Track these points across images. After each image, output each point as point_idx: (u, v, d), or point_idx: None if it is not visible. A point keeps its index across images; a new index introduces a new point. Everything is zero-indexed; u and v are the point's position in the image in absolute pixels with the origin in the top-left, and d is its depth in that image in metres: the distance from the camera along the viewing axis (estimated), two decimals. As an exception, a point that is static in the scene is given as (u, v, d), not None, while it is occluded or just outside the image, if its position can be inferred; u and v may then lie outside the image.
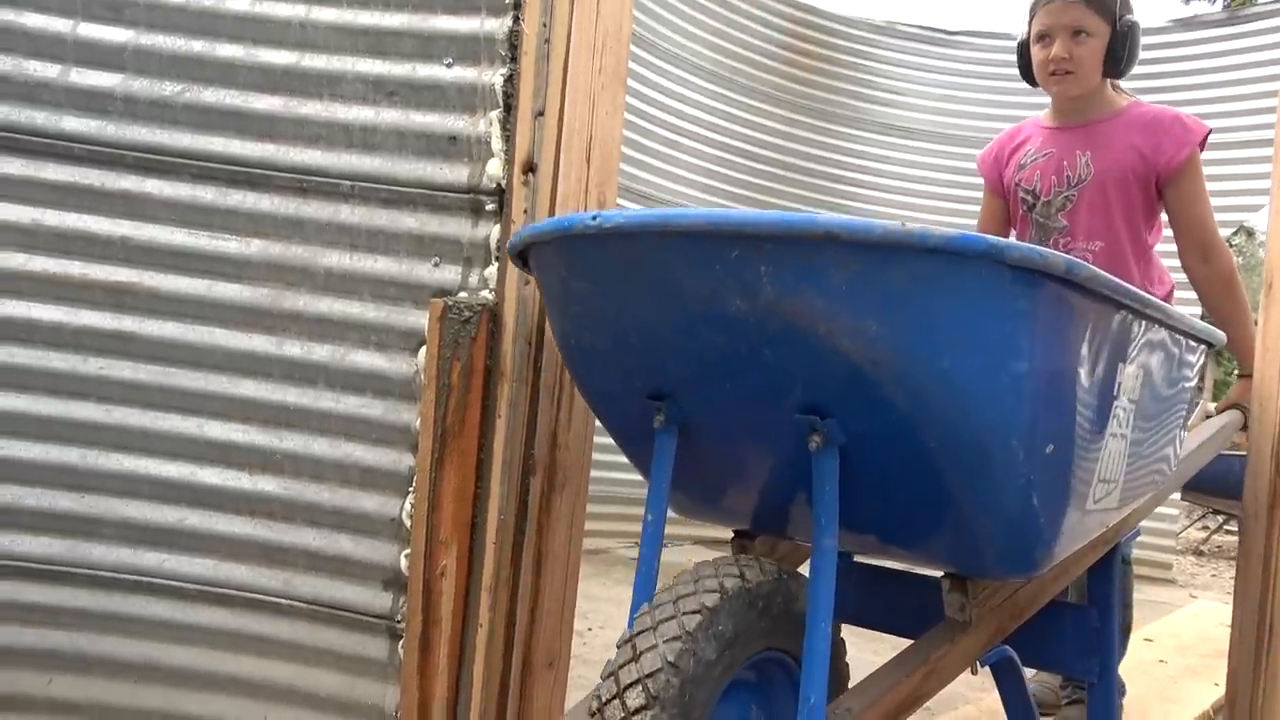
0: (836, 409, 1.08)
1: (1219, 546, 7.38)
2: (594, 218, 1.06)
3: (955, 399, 1.02)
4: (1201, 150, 2.02)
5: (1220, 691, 2.32)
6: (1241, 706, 1.59)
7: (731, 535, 1.52)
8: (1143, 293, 1.20)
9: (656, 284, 1.09)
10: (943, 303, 1.00)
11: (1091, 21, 1.95)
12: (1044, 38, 2.00)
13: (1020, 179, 2.16)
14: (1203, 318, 1.88)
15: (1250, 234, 15.42)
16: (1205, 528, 7.62)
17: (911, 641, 1.35)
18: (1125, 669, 2.27)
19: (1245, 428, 1.94)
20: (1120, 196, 2.02)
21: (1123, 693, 2.14)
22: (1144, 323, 1.25)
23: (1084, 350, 1.10)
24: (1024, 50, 2.09)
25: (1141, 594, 4.90)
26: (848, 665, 1.41)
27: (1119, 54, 1.97)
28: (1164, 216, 2.11)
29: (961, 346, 1.01)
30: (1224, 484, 2.02)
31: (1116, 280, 1.09)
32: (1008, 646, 1.42)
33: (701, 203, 5.32)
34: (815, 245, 0.99)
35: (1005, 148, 2.24)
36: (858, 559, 1.66)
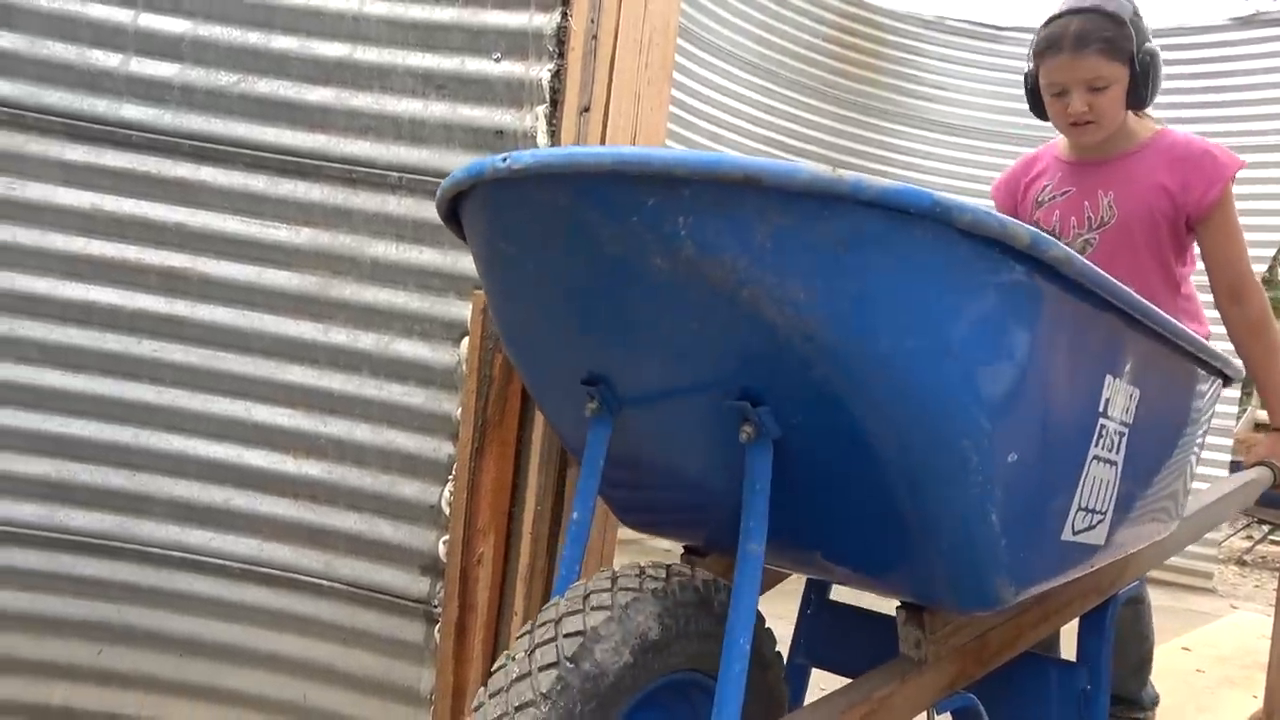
0: (770, 395, 0.96)
1: (1263, 557, 7.24)
2: (504, 159, 0.95)
3: (894, 385, 0.89)
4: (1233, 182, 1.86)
5: (1258, 704, 2.29)
6: (1278, 722, 1.56)
7: (683, 549, 1.39)
8: (1136, 295, 1.06)
9: (577, 242, 0.96)
10: (880, 270, 0.86)
11: (1109, 70, 1.76)
12: (1059, 91, 1.82)
13: (1038, 217, 2.00)
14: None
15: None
16: (1249, 537, 7.48)
17: None
18: (1160, 676, 2.24)
19: (1276, 485, 1.84)
20: (1148, 239, 1.86)
21: (1155, 702, 2.11)
22: (1138, 332, 1.12)
23: (1057, 346, 0.97)
24: (1033, 86, 1.90)
25: (1181, 603, 4.84)
26: (785, 689, 1.24)
27: (1142, 93, 1.79)
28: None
29: (903, 323, 0.87)
30: (1271, 494, 1.94)
31: (1099, 272, 0.96)
32: (972, 695, 1.25)
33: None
34: (736, 191, 0.85)
35: (1020, 179, 2.08)
36: (832, 599, 1.55)
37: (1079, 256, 0.93)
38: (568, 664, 0.95)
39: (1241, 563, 7.05)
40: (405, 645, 1.64)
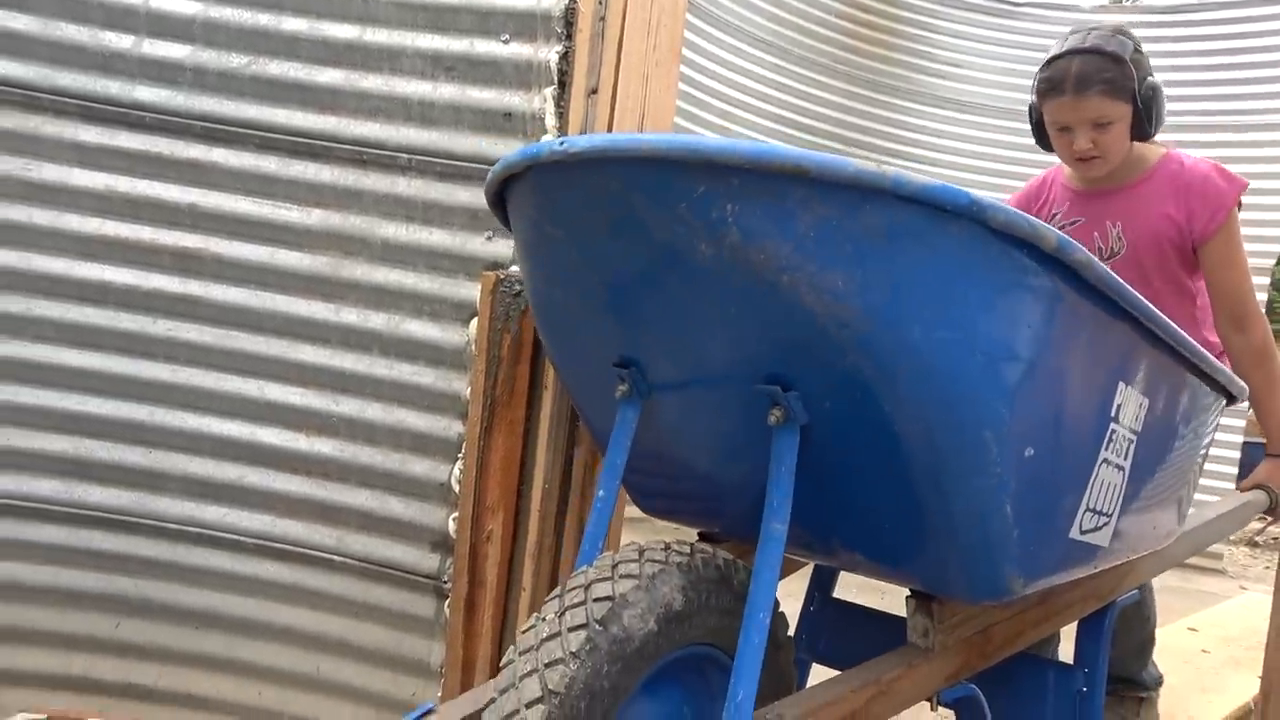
0: (800, 380, 1.00)
1: (1275, 538, 7.22)
2: (561, 142, 0.99)
3: (923, 374, 0.93)
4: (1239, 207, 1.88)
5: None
6: (1274, 703, 1.58)
7: (697, 535, 1.42)
8: (1150, 306, 1.10)
9: (623, 226, 1.00)
10: (916, 262, 0.90)
11: (1112, 109, 1.78)
12: (1064, 128, 1.84)
13: None
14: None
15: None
16: (1262, 518, 7.45)
17: None
18: (1165, 656, 2.26)
19: (1270, 510, 1.85)
20: (1158, 266, 1.89)
21: (1158, 683, 2.12)
22: (1151, 343, 1.15)
23: (1075, 348, 1.00)
24: (1038, 119, 1.90)
25: (1190, 583, 4.84)
26: (795, 671, 1.27)
27: (1145, 126, 1.81)
28: None
29: (935, 315, 0.91)
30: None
31: (1119, 281, 1.00)
32: (973, 685, 1.28)
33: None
34: (784, 181, 0.89)
35: (1030, 206, 2.09)
36: (836, 596, 1.58)
37: (1099, 263, 0.98)
38: (596, 626, 0.99)
39: (1253, 544, 7.04)
40: (416, 620, 1.67)
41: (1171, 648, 2.79)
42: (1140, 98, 1.79)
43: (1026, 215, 0.90)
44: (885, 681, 1.15)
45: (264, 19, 1.68)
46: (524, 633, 1.04)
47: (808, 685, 1.55)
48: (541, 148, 1.01)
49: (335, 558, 1.69)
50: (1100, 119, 1.80)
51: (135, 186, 1.71)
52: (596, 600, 1.01)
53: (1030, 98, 1.91)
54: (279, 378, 1.70)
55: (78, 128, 1.70)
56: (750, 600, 1.02)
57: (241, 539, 1.72)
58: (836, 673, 1.35)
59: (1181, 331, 1.21)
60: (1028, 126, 2.30)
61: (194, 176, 1.71)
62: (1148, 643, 2.07)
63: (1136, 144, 1.89)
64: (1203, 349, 1.31)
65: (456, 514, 1.61)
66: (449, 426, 1.64)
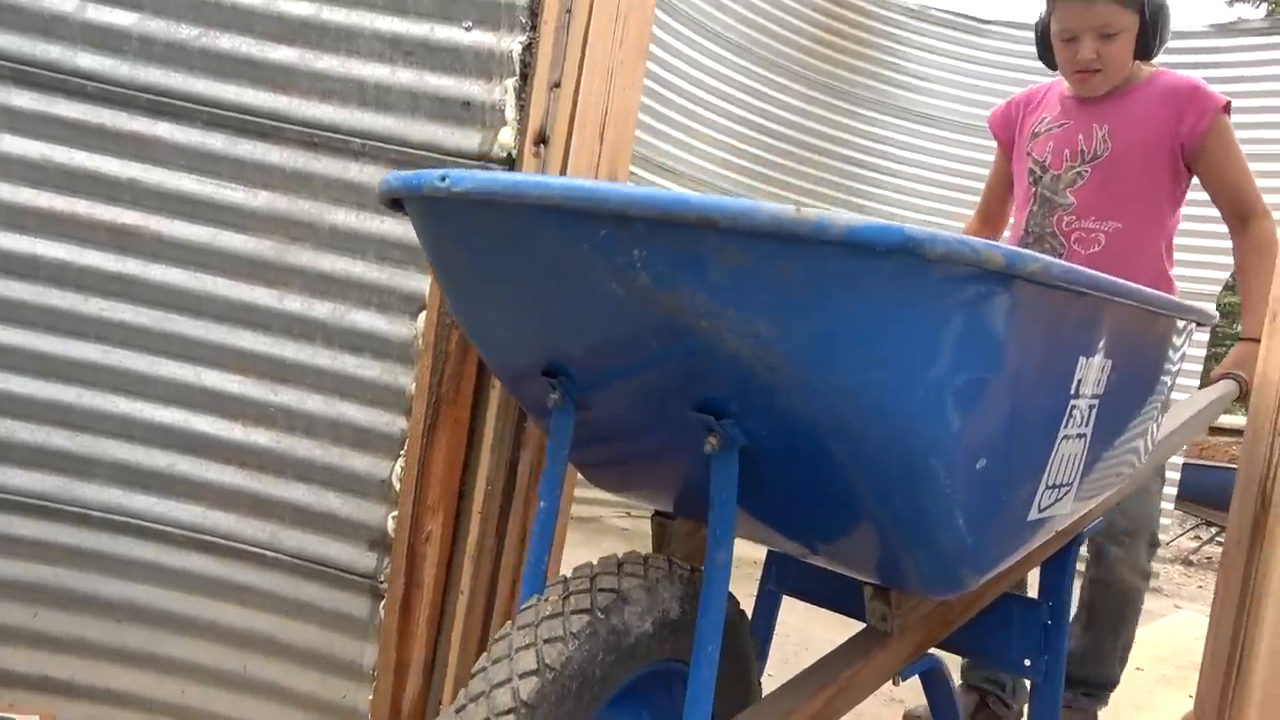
0: (735, 408, 0.96)
1: (1209, 558, 7.40)
2: (442, 178, 0.92)
3: (861, 413, 0.89)
4: (1228, 115, 1.90)
5: (1191, 704, 2.33)
6: (1209, 726, 1.60)
7: (653, 513, 1.45)
8: (1114, 280, 1.06)
9: (527, 256, 0.95)
10: (846, 304, 0.85)
11: (1121, 18, 1.82)
12: (1070, 38, 1.88)
13: (1031, 148, 2.05)
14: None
15: None
16: (1197, 537, 7.63)
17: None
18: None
19: (1241, 397, 1.84)
20: (1142, 172, 1.90)
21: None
22: (1115, 310, 1.12)
23: (1032, 351, 0.97)
24: (1044, 32, 1.94)
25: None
26: (760, 678, 1.30)
27: (1150, 42, 1.85)
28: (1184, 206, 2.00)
29: (870, 355, 0.87)
30: (1220, 496, 1.99)
31: (1078, 269, 0.97)
32: (936, 656, 1.30)
33: (720, 177, 5.28)
34: (692, 231, 0.83)
35: (1020, 108, 2.13)
36: None
37: (1056, 262, 0.91)
38: (599, 614, 1.02)
39: (1188, 563, 7.20)
40: (349, 620, 1.62)
41: (1106, 665, 2.83)
42: (1149, 11, 1.82)
43: (967, 240, 0.84)
44: (845, 679, 1.17)
45: (216, -10, 1.61)
46: (523, 610, 1.05)
47: (777, 618, 1.59)
48: (422, 179, 0.95)
49: (267, 553, 1.64)
50: (1107, 27, 1.83)
51: (73, 158, 1.64)
52: (601, 590, 1.04)
53: (1041, 12, 1.94)
54: (216, 364, 1.64)
55: (11, 92, 1.62)
56: (700, 630, 1.01)
57: (170, 530, 1.65)
58: (806, 606, 1.44)
59: (1143, 288, 1.16)
60: (992, 143, 2.32)
61: (136, 150, 1.64)
62: (1130, 644, 2.11)
63: (1136, 62, 1.92)
64: (1166, 296, 1.27)
65: (396, 513, 1.57)
66: (392, 422, 1.60)
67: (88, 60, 1.63)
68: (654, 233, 0.85)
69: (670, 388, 1.00)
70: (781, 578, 1.59)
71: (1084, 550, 1.85)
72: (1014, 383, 0.96)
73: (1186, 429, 1.71)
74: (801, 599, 1.56)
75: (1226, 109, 1.91)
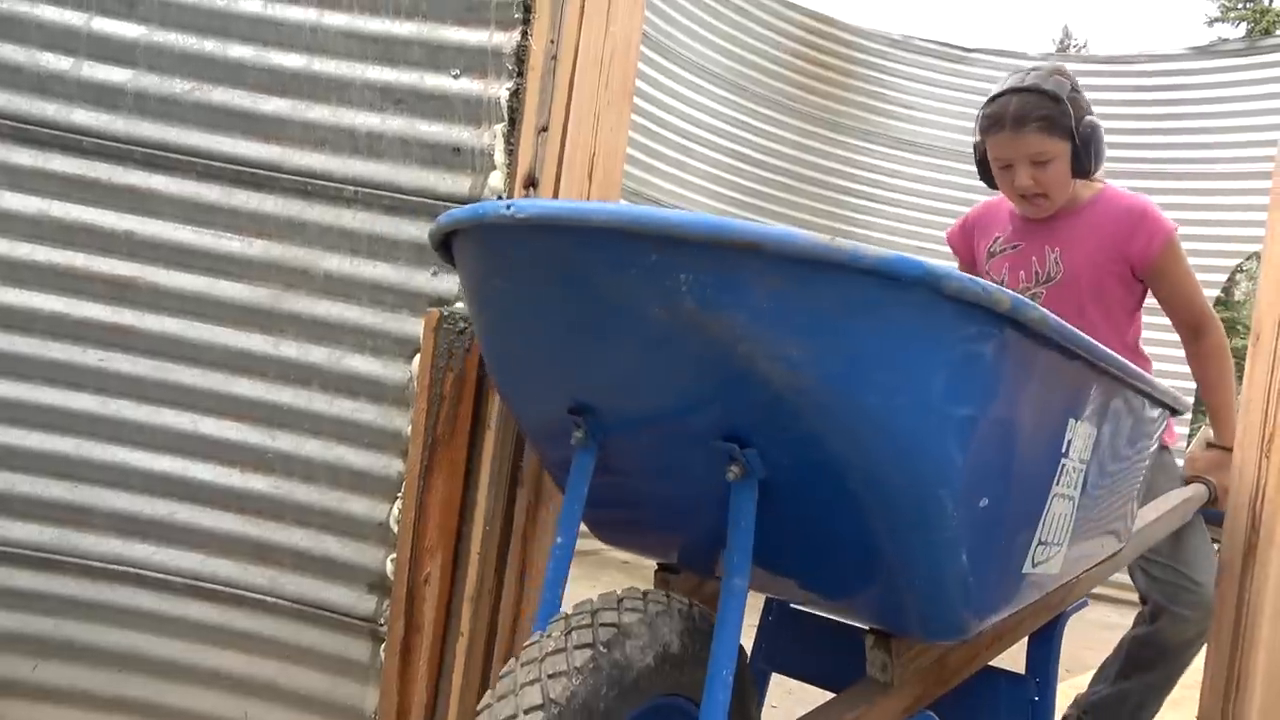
0: (758, 439, 1.01)
1: (1213, 575, 7.36)
2: (508, 206, 0.99)
3: (880, 438, 0.95)
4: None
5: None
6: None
7: (656, 566, 1.45)
8: (1101, 346, 1.13)
9: (574, 285, 1.01)
10: (872, 331, 0.92)
11: (1051, 146, 1.84)
12: (1006, 165, 1.90)
13: (989, 268, 2.08)
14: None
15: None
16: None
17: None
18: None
19: (1211, 502, 1.90)
20: (1094, 294, 1.94)
21: None
22: (1101, 378, 1.19)
23: (1030, 399, 1.03)
24: (983, 156, 1.96)
25: (1127, 619, 4.89)
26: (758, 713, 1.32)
27: (1085, 163, 1.87)
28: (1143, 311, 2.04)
29: (890, 382, 0.93)
30: (1213, 511, 2.00)
31: (1071, 328, 1.03)
32: (931, 714, 1.32)
33: (712, 210, 5.33)
34: (738, 254, 0.90)
35: (974, 226, 2.16)
36: (794, 607, 1.60)
37: (1054, 316, 0.99)
38: (601, 648, 1.02)
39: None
40: (350, 664, 1.62)
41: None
42: (1079, 135, 1.85)
43: (980, 280, 0.91)
44: None
45: (209, 45, 1.65)
46: (527, 647, 1.06)
47: (766, 694, 1.58)
48: (488, 208, 1.02)
49: (268, 598, 1.64)
50: (1038, 155, 1.86)
51: (69, 212, 1.66)
52: (603, 625, 1.04)
53: (974, 136, 1.96)
54: (214, 411, 1.65)
55: (10, 150, 1.65)
56: (714, 659, 1.03)
57: (170, 578, 1.65)
58: (794, 682, 1.42)
59: (1125, 360, 1.25)
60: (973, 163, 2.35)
61: (132, 203, 1.66)
62: (1159, 691, 2.09)
63: (1078, 181, 1.95)
64: (1146, 374, 1.35)
65: (394, 555, 1.57)
66: (389, 465, 1.61)
67: (83, 116, 1.66)
68: (701, 257, 0.91)
69: (694, 419, 1.04)
70: (771, 655, 1.60)
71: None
72: (1012, 427, 1.02)
73: (1159, 525, 1.76)
74: (791, 675, 1.56)
75: (1174, 232, 1.93)
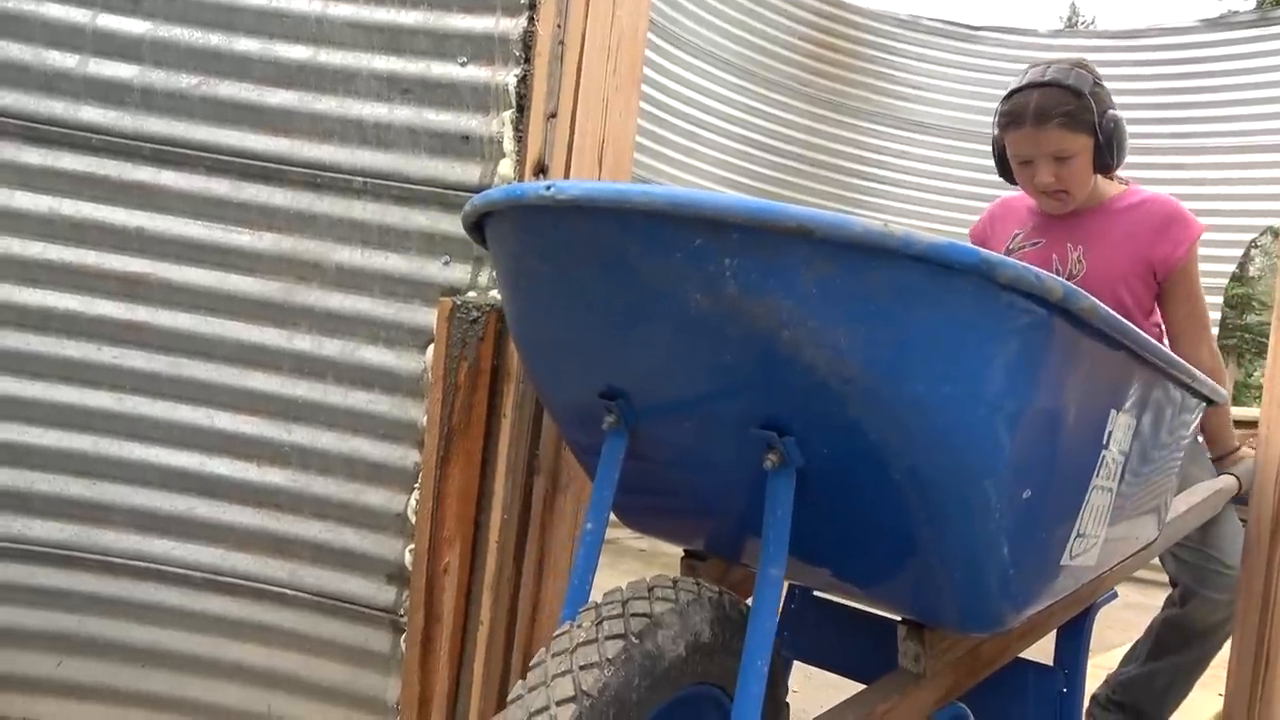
0: (797, 427, 0.99)
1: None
2: (548, 187, 0.96)
3: (926, 427, 0.93)
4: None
5: (1221, 704, 2.31)
6: (1239, 726, 1.59)
7: (682, 554, 1.45)
8: (1146, 336, 1.11)
9: (613, 268, 0.98)
10: (922, 319, 0.90)
11: (1073, 142, 1.79)
12: (1026, 161, 1.85)
13: None
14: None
15: (1278, 234, 15.21)
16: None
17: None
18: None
19: (1237, 496, 1.87)
20: (1115, 294, 1.89)
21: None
22: (1144, 369, 1.17)
23: (1075, 389, 1.02)
24: (1001, 151, 1.91)
25: (1153, 599, 4.87)
26: (788, 706, 1.30)
27: (1107, 159, 1.82)
28: None
29: (938, 370, 0.91)
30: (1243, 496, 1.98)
31: (1118, 318, 1.02)
32: (962, 705, 1.32)
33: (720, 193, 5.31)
34: (786, 239, 0.87)
35: (995, 222, 2.12)
36: (817, 594, 1.59)
37: (1103, 306, 0.97)
38: (633, 639, 1.01)
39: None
40: (371, 655, 1.62)
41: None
42: (1101, 130, 1.79)
43: (1032, 268, 0.90)
44: (880, 712, 1.17)
45: (215, 39, 1.64)
46: (556, 637, 1.05)
47: (789, 684, 1.58)
48: (526, 190, 1.00)
49: (288, 591, 1.64)
50: (1060, 152, 1.81)
51: (80, 210, 1.66)
52: (634, 615, 1.03)
53: (993, 131, 1.91)
54: (229, 406, 1.65)
55: (20, 149, 1.65)
56: (748, 647, 1.01)
57: (190, 573, 1.66)
58: (817, 670, 1.41)
59: (1169, 351, 1.23)
60: (986, 148, 2.32)
61: (142, 199, 1.66)
62: (1187, 673, 2.07)
63: (1100, 178, 1.90)
64: (1187, 365, 1.33)
65: (413, 546, 1.57)
66: (405, 455, 1.61)
67: (91, 114, 1.65)
68: (747, 241, 0.89)
69: (731, 407, 1.02)
70: (795, 642, 1.60)
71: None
72: (1058, 417, 1.00)
73: (1190, 516, 1.74)
74: (814, 664, 1.54)
75: (1199, 238, 1.89)
